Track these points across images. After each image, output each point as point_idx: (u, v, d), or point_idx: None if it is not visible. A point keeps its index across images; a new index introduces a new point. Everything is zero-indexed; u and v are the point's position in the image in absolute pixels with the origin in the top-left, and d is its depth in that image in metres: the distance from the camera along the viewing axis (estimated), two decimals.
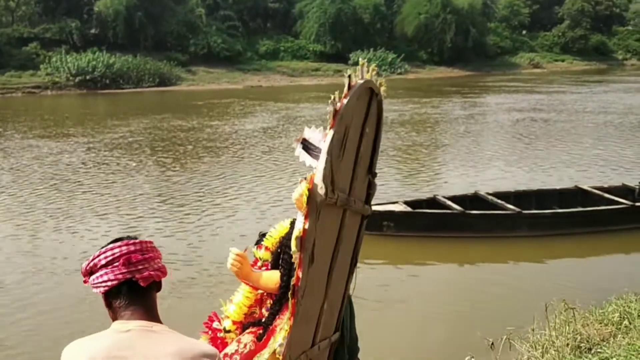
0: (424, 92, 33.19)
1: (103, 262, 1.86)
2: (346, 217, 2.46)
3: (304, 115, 23.12)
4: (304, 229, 2.13)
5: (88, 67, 36.43)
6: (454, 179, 13.44)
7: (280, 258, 2.82)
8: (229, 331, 2.72)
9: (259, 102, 28.75)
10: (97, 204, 11.32)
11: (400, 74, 44.17)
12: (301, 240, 2.12)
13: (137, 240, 1.92)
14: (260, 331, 2.71)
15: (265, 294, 2.86)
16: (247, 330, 2.76)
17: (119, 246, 1.87)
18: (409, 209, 9.62)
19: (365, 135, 2.47)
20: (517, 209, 9.52)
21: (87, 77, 36.23)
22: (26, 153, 16.53)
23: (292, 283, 2.21)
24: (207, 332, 2.86)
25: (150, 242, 1.96)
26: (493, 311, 6.96)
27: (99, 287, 1.86)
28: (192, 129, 20.59)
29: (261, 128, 20.66)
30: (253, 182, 12.91)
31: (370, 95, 2.47)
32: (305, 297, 2.22)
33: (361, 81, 2.33)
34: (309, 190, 2.13)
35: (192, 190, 12.42)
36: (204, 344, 2.01)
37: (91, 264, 1.88)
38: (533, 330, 5.36)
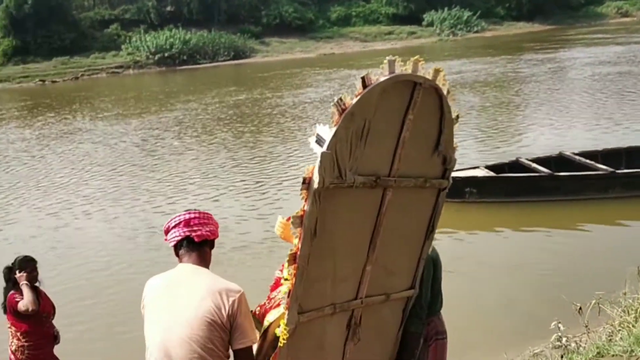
0: (502, 49, 31.99)
1: (172, 224, 2.75)
2: (388, 195, 2.87)
3: None
4: (303, 210, 2.58)
5: (166, 45, 37.51)
6: (535, 139, 12.96)
7: None
8: (286, 279, 3.13)
9: (331, 69, 28.70)
10: (160, 185, 11.73)
11: (477, 32, 42.72)
12: (301, 218, 2.57)
13: (196, 211, 2.80)
14: None
15: None
16: None
17: (183, 214, 2.77)
18: (492, 173, 9.36)
19: (409, 121, 2.79)
20: (610, 169, 9.08)
21: (166, 55, 37.35)
22: (96, 133, 17.44)
23: (292, 252, 2.63)
24: (277, 277, 3.31)
25: (207, 214, 2.81)
26: (582, 276, 6.74)
27: (171, 241, 2.75)
28: (256, 101, 20.88)
29: (325, 96, 20.60)
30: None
31: (412, 87, 2.74)
32: (313, 263, 2.67)
33: (384, 77, 2.61)
34: (306, 179, 2.56)
35: (253, 167, 12.50)
36: (231, 284, 2.65)
37: (166, 227, 2.79)
38: (625, 294, 5.17)
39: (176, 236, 2.73)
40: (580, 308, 4.90)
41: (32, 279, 4.39)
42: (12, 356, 4.47)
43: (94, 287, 7.48)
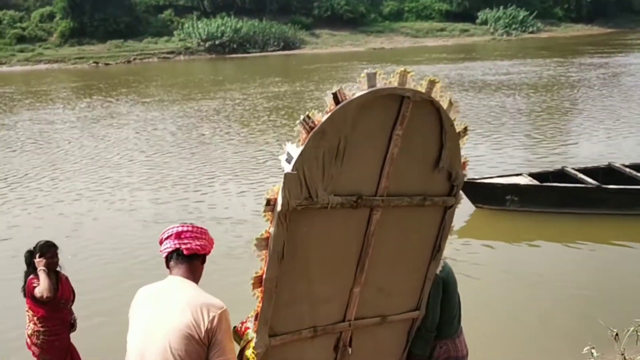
0: (556, 52, 31.04)
1: (165, 236, 2.79)
2: (375, 215, 2.71)
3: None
4: (267, 231, 2.52)
5: (217, 33, 37.86)
6: (583, 148, 12.42)
7: None
8: None
9: (379, 64, 28.36)
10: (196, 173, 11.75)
11: (532, 32, 41.65)
12: (266, 240, 2.52)
13: (189, 224, 2.82)
14: None
15: None
16: None
17: (176, 227, 2.79)
18: (535, 182, 8.99)
19: (397, 137, 2.61)
20: None
21: (216, 42, 37.70)
22: (135, 119, 17.64)
23: (257, 275, 2.59)
24: None
25: (202, 228, 2.82)
26: (622, 299, 6.32)
27: (163, 252, 2.78)
28: (297, 94, 20.76)
29: None
30: None
31: (399, 100, 2.60)
32: (284, 285, 2.60)
33: (361, 92, 2.48)
34: (270, 200, 2.47)
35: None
36: (214, 299, 2.62)
37: (160, 237, 2.83)
38: None
39: (167, 248, 2.77)
40: (616, 334, 4.61)
41: (52, 265, 4.37)
42: (28, 340, 4.47)
43: (112, 279, 7.32)
